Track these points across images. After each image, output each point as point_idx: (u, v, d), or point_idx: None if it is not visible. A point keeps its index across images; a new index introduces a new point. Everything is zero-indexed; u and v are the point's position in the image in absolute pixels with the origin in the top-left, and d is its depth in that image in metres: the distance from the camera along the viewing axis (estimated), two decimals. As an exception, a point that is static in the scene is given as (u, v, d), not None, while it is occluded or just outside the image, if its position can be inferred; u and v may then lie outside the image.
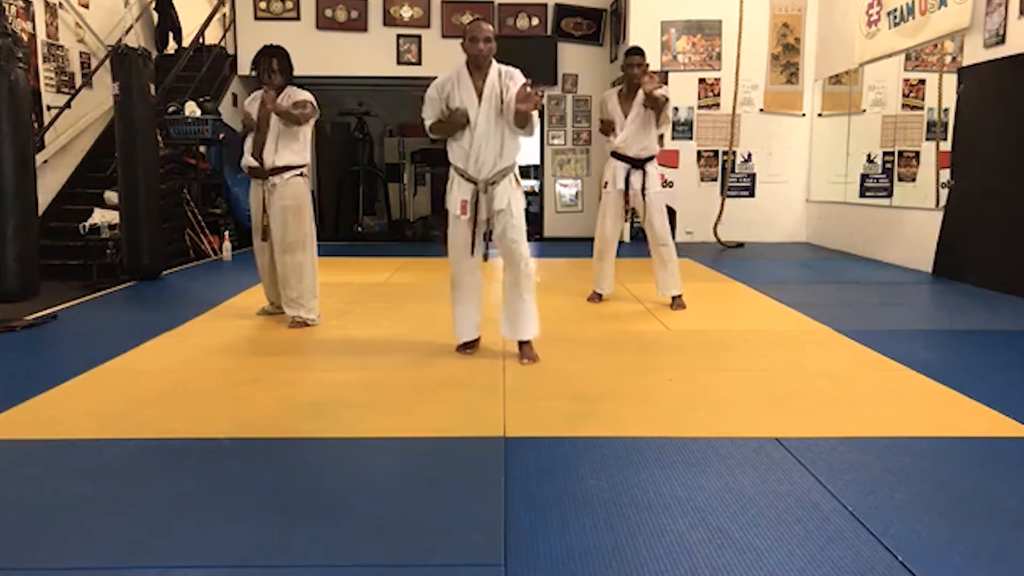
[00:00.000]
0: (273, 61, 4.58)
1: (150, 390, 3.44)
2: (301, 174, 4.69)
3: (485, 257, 3.91)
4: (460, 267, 3.87)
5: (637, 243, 5.10)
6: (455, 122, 3.70)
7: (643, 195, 5.06)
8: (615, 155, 5.12)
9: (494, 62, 3.74)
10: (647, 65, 4.98)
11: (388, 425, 2.98)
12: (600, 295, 5.40)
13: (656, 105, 4.85)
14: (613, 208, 5.18)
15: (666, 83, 5.14)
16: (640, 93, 4.92)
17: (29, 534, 2.13)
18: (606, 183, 5.19)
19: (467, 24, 3.80)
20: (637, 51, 5.01)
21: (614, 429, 2.91)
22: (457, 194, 3.79)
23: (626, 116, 5.01)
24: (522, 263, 3.90)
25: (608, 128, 5.18)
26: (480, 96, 3.68)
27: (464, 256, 3.80)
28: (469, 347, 4.02)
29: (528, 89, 3.52)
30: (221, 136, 8.25)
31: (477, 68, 3.71)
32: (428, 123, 3.84)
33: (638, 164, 5.07)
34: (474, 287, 3.94)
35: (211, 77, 9.37)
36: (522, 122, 3.61)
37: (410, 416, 3.09)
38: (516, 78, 3.71)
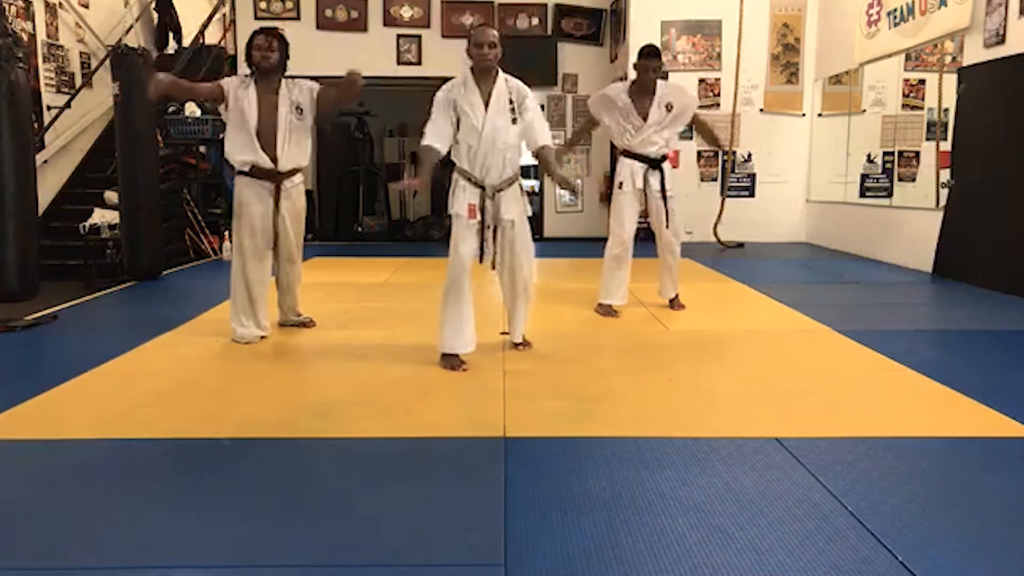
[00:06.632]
0: (269, 38, 4.18)
1: (150, 390, 3.44)
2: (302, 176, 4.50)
3: (493, 265, 3.86)
4: (461, 271, 3.73)
5: (635, 243, 5.06)
6: (428, 160, 3.66)
7: (663, 196, 4.91)
8: (628, 154, 4.94)
9: (499, 70, 3.71)
10: (661, 66, 4.87)
11: (388, 425, 2.98)
12: (614, 308, 4.99)
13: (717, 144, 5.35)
14: (631, 209, 4.96)
15: (664, 80, 5.03)
16: (658, 94, 4.79)
17: (29, 534, 2.13)
18: (620, 183, 4.97)
19: (472, 29, 3.74)
20: (654, 53, 4.82)
21: (614, 429, 2.91)
22: (463, 198, 3.73)
23: (642, 115, 4.81)
24: (525, 274, 3.90)
25: (589, 128, 5.25)
26: (487, 103, 3.65)
27: (467, 260, 3.73)
28: (461, 364, 3.72)
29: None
30: (221, 136, 8.25)
31: (483, 74, 3.66)
32: (426, 139, 3.67)
33: (655, 164, 4.92)
34: (471, 293, 3.80)
35: (211, 77, 9.34)
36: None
37: (410, 416, 3.09)
38: (522, 95, 3.71)
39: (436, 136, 3.66)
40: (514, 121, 3.69)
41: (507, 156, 3.72)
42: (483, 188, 3.72)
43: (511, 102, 3.69)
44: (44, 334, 4.63)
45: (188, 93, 4.14)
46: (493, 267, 3.88)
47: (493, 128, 3.65)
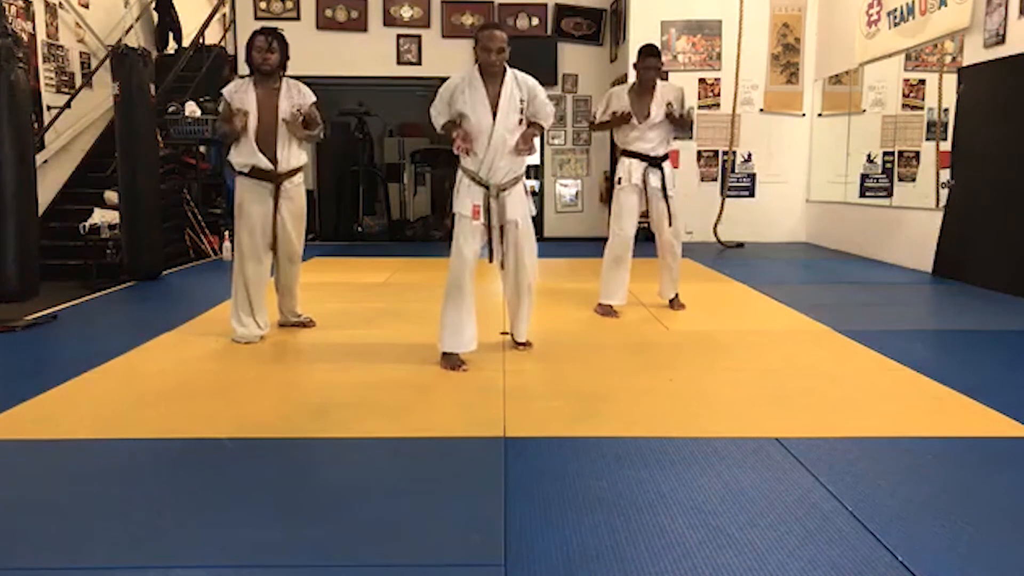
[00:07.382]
0: (269, 39, 4.17)
1: (150, 390, 3.44)
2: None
3: (503, 264, 3.86)
4: (463, 271, 3.72)
5: (635, 243, 5.05)
6: (450, 125, 3.74)
7: (664, 195, 4.88)
8: (628, 153, 4.92)
9: (507, 67, 3.70)
10: (661, 65, 4.86)
11: (388, 425, 2.98)
12: (614, 309, 4.97)
13: (683, 124, 4.93)
14: (630, 206, 4.92)
15: (664, 79, 5.03)
16: (657, 94, 4.80)
17: (29, 534, 2.13)
18: (619, 179, 4.95)
19: (480, 31, 3.69)
20: (654, 52, 4.81)
21: (614, 429, 2.91)
22: (467, 197, 3.72)
23: (642, 114, 4.81)
24: (529, 274, 3.90)
25: (620, 122, 4.82)
26: (495, 105, 3.64)
27: (470, 260, 3.72)
28: (461, 364, 3.71)
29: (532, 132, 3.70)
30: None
31: (490, 76, 3.66)
32: (438, 122, 3.83)
33: (655, 162, 4.90)
34: (472, 293, 3.78)
35: (211, 77, 9.36)
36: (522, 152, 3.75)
37: (410, 416, 3.09)
38: (532, 89, 3.72)
39: (445, 117, 3.81)
40: (521, 122, 3.70)
41: (515, 158, 3.72)
42: (488, 187, 3.72)
43: (521, 101, 3.68)
44: (44, 334, 4.63)
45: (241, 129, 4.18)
46: (503, 267, 3.88)
47: (503, 130, 3.64)
